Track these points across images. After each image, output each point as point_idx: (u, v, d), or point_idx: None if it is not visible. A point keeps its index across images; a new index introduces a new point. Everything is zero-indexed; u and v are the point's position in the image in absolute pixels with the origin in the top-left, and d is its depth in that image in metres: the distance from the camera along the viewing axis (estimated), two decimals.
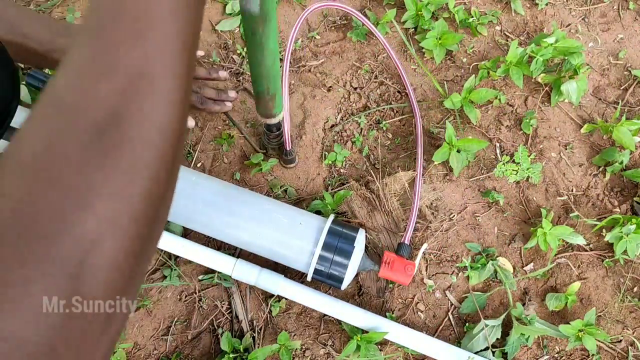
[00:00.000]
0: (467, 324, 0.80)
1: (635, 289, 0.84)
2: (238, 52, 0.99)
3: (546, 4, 1.06)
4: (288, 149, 0.83)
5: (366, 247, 0.82)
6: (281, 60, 0.90)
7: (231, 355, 0.74)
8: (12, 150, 0.23)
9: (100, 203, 0.22)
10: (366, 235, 0.82)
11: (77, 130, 0.22)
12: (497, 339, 0.77)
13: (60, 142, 0.22)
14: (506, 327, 0.79)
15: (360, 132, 0.93)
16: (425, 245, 0.80)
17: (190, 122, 0.85)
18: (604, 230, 0.84)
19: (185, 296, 0.80)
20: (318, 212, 0.84)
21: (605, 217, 0.85)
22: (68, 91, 0.23)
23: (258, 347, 0.76)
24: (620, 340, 0.81)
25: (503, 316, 0.78)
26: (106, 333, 0.24)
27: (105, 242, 0.22)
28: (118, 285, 0.24)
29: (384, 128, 0.94)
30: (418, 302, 0.81)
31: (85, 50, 0.23)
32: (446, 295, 0.82)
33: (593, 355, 0.78)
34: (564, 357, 0.79)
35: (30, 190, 0.21)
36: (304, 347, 0.77)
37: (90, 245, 0.21)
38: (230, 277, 0.78)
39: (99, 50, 0.23)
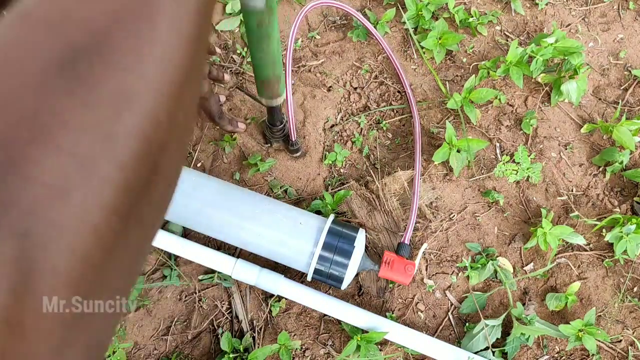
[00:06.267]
0: (467, 324, 0.80)
1: (635, 289, 0.84)
2: (238, 52, 0.99)
3: (546, 4, 1.06)
4: (293, 139, 0.84)
5: (366, 247, 0.82)
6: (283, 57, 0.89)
7: (231, 355, 0.74)
8: None
9: (66, 138, 0.16)
10: (366, 235, 0.82)
11: (44, 49, 0.17)
12: (497, 339, 0.77)
13: (19, 61, 0.17)
14: (506, 327, 0.79)
15: (360, 132, 0.93)
16: (425, 245, 0.80)
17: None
18: (604, 230, 0.84)
19: (185, 296, 0.80)
20: (318, 212, 0.84)
21: (605, 217, 0.85)
22: (41, 5, 0.18)
23: (258, 347, 0.76)
24: (620, 340, 0.81)
25: (503, 316, 0.78)
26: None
27: (74, 195, 0.16)
28: (88, 275, 0.17)
29: (384, 128, 0.94)
30: (418, 302, 0.81)
31: None
32: (446, 295, 0.82)
33: (593, 355, 0.78)
34: (564, 357, 0.79)
35: None
36: (304, 347, 0.77)
37: (49, 202, 0.16)
38: (230, 277, 0.78)
39: None
